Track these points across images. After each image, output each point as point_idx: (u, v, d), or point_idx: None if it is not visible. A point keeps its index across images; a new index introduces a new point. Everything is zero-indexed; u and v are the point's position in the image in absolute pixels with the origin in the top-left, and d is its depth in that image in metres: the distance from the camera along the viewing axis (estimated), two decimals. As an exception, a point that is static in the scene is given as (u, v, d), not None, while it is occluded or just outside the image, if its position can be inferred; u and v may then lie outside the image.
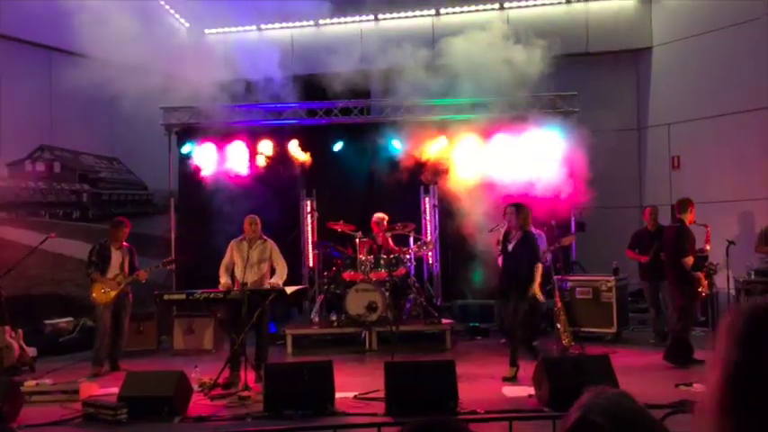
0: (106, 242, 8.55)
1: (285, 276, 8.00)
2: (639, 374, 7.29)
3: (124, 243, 8.59)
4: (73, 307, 9.96)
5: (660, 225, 9.32)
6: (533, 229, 8.80)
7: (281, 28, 12.54)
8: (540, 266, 7.49)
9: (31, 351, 8.75)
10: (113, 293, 8.34)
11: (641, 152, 11.97)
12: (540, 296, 7.57)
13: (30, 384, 7.08)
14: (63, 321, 9.87)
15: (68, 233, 10.43)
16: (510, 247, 7.40)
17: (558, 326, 8.14)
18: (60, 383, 7.17)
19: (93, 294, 8.34)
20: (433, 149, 10.43)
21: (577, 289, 9.65)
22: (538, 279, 7.44)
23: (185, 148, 10.96)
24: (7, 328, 8.39)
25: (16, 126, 10.12)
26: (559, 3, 11.87)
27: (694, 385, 6.63)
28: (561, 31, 9.74)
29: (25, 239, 9.76)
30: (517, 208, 7.48)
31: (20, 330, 8.62)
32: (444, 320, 9.73)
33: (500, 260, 7.86)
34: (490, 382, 7.27)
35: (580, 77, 10.72)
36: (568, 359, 7.14)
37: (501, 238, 7.73)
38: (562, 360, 7.09)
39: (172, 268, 8.55)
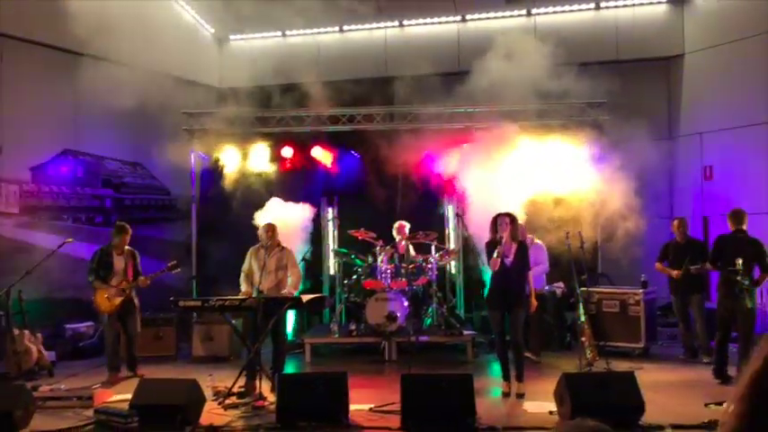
0: (108, 248, 8.43)
1: (298, 286, 7.88)
2: (667, 392, 7.02)
3: (127, 247, 8.46)
4: (93, 312, 9.94)
5: (690, 237, 9.02)
6: (537, 241, 8.65)
7: (306, 34, 12.48)
8: (530, 274, 7.52)
9: (50, 355, 8.75)
10: (117, 301, 8.21)
11: (672, 162, 11.65)
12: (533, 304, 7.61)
13: (44, 390, 7.05)
14: (83, 326, 9.88)
15: (91, 238, 10.43)
16: (508, 260, 7.16)
17: (583, 339, 7.88)
18: (74, 389, 7.13)
19: (97, 302, 8.25)
20: (457, 157, 10.24)
21: (604, 302, 9.38)
22: (530, 287, 7.51)
23: (207, 154, 10.91)
24: (26, 332, 8.39)
25: (40, 130, 10.17)
26: (588, 9, 11.65)
27: (725, 405, 6.32)
28: (590, 39, 9.50)
29: (48, 243, 9.75)
30: (512, 219, 7.28)
31: (39, 334, 8.63)
32: (466, 332, 9.52)
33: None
34: (511, 398, 7.04)
35: (610, 85, 10.44)
36: (592, 375, 6.89)
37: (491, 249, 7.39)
38: (585, 376, 6.84)
39: (177, 272, 8.37)
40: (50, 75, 9.96)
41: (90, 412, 6.36)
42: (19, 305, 8.38)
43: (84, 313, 9.67)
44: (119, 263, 8.34)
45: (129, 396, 6.39)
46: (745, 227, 7.75)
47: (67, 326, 9.78)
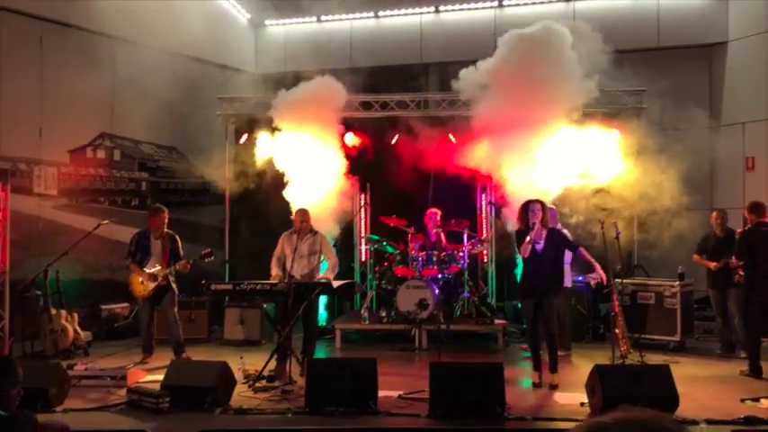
0: (146, 231, 8.40)
1: (336, 270, 7.87)
2: (703, 386, 6.87)
3: (166, 230, 8.40)
4: (129, 293, 10.08)
5: (729, 230, 8.79)
6: (561, 228, 8.25)
7: (341, 20, 12.43)
8: (583, 250, 7.36)
9: (86, 335, 8.91)
10: (151, 287, 8.14)
11: (713, 152, 11.36)
12: (602, 275, 7.31)
13: (79, 369, 7.18)
14: (119, 307, 10.04)
15: (126, 220, 10.59)
16: (539, 246, 7.05)
17: (617, 331, 7.75)
18: (109, 369, 7.24)
19: (132, 286, 8.25)
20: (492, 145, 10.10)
21: (639, 293, 9.22)
22: (594, 262, 7.25)
23: (242, 139, 10.97)
24: (63, 311, 8.55)
25: (78, 114, 10.31)
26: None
27: (762, 401, 6.19)
28: (631, 25, 9.27)
29: (85, 225, 9.92)
30: (543, 205, 7.16)
31: (75, 314, 8.78)
32: (497, 321, 9.45)
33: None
34: (541, 388, 6.96)
35: (650, 73, 10.21)
36: (624, 367, 6.77)
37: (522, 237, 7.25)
38: (618, 368, 6.73)
39: (209, 260, 8.32)
40: (88, 59, 10.06)
41: (123, 392, 6.45)
42: (56, 285, 8.55)
43: (120, 294, 9.83)
44: (156, 247, 8.30)
45: (160, 377, 6.49)
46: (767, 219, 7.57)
47: (103, 306, 9.94)
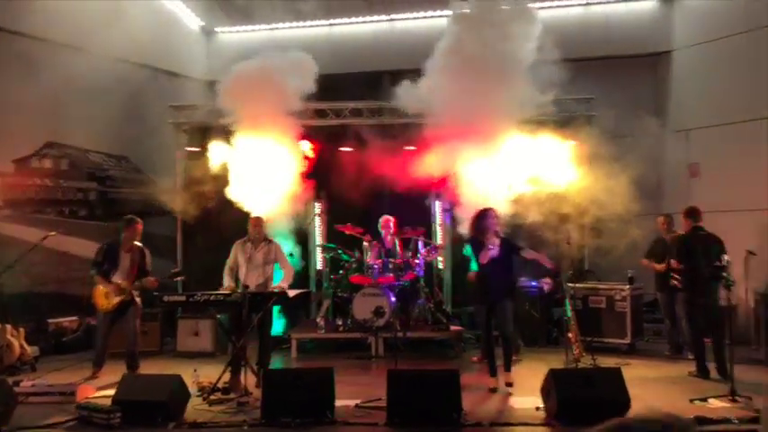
0: (116, 242, 8.19)
1: (291, 280, 7.81)
2: (653, 388, 7.03)
3: (136, 243, 8.21)
4: (77, 306, 9.84)
5: (676, 234, 9.01)
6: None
7: (293, 27, 12.39)
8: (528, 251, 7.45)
9: (33, 350, 8.64)
10: (116, 300, 7.95)
11: (660, 158, 11.65)
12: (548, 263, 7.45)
13: (26, 385, 6.96)
14: (67, 320, 9.77)
15: (75, 231, 10.33)
16: (495, 253, 7.14)
17: (570, 335, 7.87)
18: (57, 385, 7.03)
19: (95, 297, 8.04)
20: (445, 153, 10.17)
21: (590, 298, 9.40)
22: (539, 255, 7.42)
23: (193, 147, 10.81)
24: (8, 326, 8.28)
25: (23, 122, 10.02)
26: (578, 5, 11.62)
27: (710, 401, 6.35)
28: (579, 34, 9.45)
29: (31, 237, 9.63)
30: (496, 213, 7.29)
31: (21, 329, 8.51)
32: (453, 327, 9.51)
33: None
34: (498, 393, 7.02)
35: (598, 81, 10.44)
36: (578, 371, 6.89)
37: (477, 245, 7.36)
38: (572, 372, 6.84)
39: (179, 280, 8.17)
40: (33, 66, 9.79)
41: (72, 408, 6.27)
42: (-1, 299, 8.29)
43: (68, 308, 9.57)
44: (125, 259, 8.08)
45: (110, 392, 6.33)
46: (702, 224, 7.80)
47: (50, 320, 9.65)
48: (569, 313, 7.95)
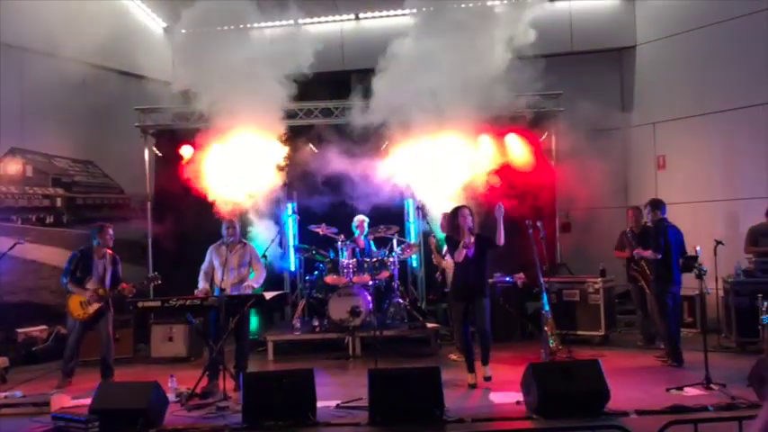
0: (88, 250, 8.02)
1: (262, 281, 7.75)
2: (629, 378, 7.12)
3: (108, 251, 8.06)
4: (47, 315, 9.65)
5: (645, 225, 9.16)
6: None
7: (260, 27, 12.27)
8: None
9: (2, 361, 8.44)
10: (93, 308, 7.80)
11: (627, 152, 11.85)
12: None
13: (-2, 397, 6.81)
14: (36, 330, 9.54)
15: (42, 239, 10.13)
16: (470, 251, 7.18)
17: (546, 329, 7.95)
18: (31, 396, 6.90)
19: (70, 306, 7.84)
20: (415, 151, 10.21)
21: (564, 291, 9.51)
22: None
23: (161, 151, 10.67)
24: (-24, 337, 8.09)
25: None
26: (542, 1, 11.71)
27: (686, 389, 6.48)
28: (544, 30, 9.54)
29: (-4, 246, 9.44)
30: (470, 211, 7.33)
31: (-10, 340, 8.33)
32: (429, 324, 9.54)
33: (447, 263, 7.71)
34: (476, 388, 7.07)
35: (564, 77, 10.56)
36: (557, 364, 6.95)
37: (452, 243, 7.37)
38: (551, 365, 6.91)
39: (156, 285, 8.11)
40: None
41: (47, 419, 6.15)
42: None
43: (37, 317, 9.37)
44: (98, 266, 7.92)
45: (87, 401, 6.22)
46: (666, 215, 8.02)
47: (19, 330, 9.43)
48: (547, 307, 8.02)
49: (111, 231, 8.10)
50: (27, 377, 8.13)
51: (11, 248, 8.11)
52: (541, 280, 8.15)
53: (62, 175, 10.89)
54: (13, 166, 10.23)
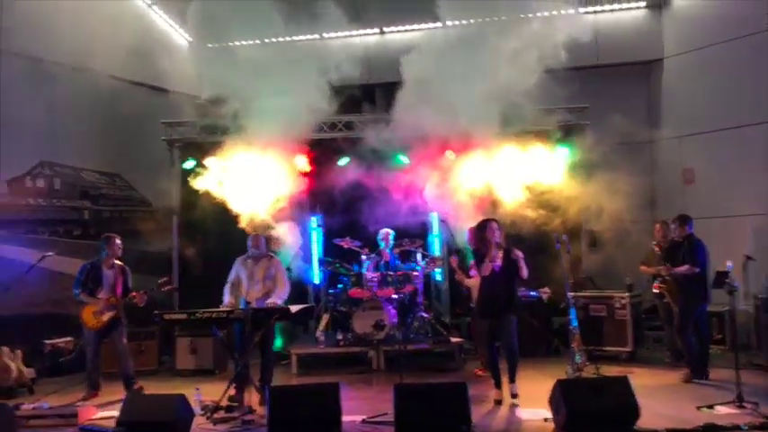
0: (97, 261, 8.17)
1: (285, 296, 7.73)
2: (659, 396, 7.01)
3: (117, 261, 8.20)
4: (72, 326, 9.70)
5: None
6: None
7: (285, 41, 12.34)
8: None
9: (29, 372, 8.52)
10: (105, 318, 7.95)
11: (654, 166, 11.73)
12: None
13: (26, 408, 6.86)
14: (62, 341, 9.61)
15: (69, 251, 10.21)
16: (497, 266, 7.12)
17: (573, 345, 7.85)
18: (57, 407, 6.94)
19: (84, 317, 7.97)
20: (440, 164, 10.19)
21: (591, 306, 9.39)
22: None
23: (187, 164, 10.76)
24: (5, 348, 8.17)
25: (16, 142, 9.93)
26: (567, 14, 11.65)
27: (716, 408, 6.35)
28: (570, 43, 9.48)
29: (25, 257, 9.54)
30: (498, 225, 7.27)
31: (18, 351, 8.40)
32: (453, 339, 9.47)
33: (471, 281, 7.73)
34: (503, 404, 6.99)
35: (590, 90, 10.50)
36: (586, 381, 6.85)
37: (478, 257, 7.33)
38: (579, 382, 6.81)
39: (168, 289, 8.20)
40: (27, 86, 9.72)
41: (74, 430, 6.18)
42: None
43: (63, 328, 9.44)
44: (108, 277, 8.07)
45: (113, 413, 6.25)
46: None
47: (46, 341, 9.51)
48: (575, 322, 7.92)
49: (118, 242, 8.25)
50: (53, 388, 8.20)
51: (40, 260, 8.20)
52: (569, 295, 8.06)
53: (90, 188, 11.02)
54: (42, 180, 10.37)
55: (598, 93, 10.89)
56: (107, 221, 11.08)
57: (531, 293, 9.70)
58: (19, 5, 9.71)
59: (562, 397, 5.78)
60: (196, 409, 6.64)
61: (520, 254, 7.20)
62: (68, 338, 9.60)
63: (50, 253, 8.43)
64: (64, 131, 10.48)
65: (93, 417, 6.71)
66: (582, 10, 11.60)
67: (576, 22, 10.75)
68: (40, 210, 10.32)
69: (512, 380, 7.12)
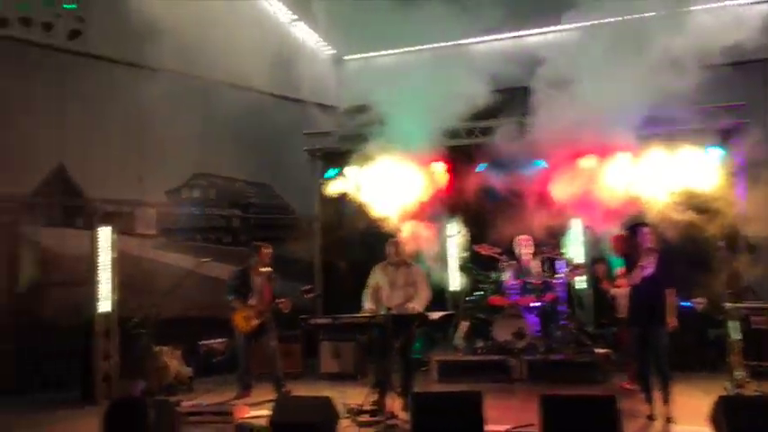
0: (248, 268, 8.59)
1: (426, 303, 7.71)
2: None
3: (266, 268, 8.57)
4: (225, 328, 10.25)
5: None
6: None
7: (419, 50, 12.43)
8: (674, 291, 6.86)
9: (188, 371, 9.08)
10: (255, 323, 8.34)
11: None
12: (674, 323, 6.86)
13: (186, 405, 7.29)
14: (216, 342, 10.17)
15: (220, 257, 10.80)
16: (649, 271, 6.74)
17: (734, 359, 7.31)
18: (213, 405, 7.32)
19: (236, 321, 8.41)
20: (581, 169, 9.85)
21: (752, 317, 8.70)
22: (674, 304, 6.84)
23: (329, 173, 11.08)
24: (165, 348, 8.75)
25: (174, 155, 10.66)
26: (740, 5, 10.83)
27: None
28: (728, 36, 8.85)
29: (182, 263, 10.22)
30: (651, 228, 6.87)
31: (178, 351, 8.98)
32: (598, 350, 9.11)
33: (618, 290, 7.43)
34: (655, 420, 6.63)
35: (751, 86, 9.76)
36: (752, 399, 6.35)
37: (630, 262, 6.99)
38: (746, 400, 6.31)
39: (311, 297, 8.48)
40: (182, 102, 10.38)
41: (230, 427, 6.50)
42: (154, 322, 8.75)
43: (217, 330, 9.99)
44: (257, 283, 8.47)
45: (263, 412, 6.51)
46: None
47: (201, 342, 10.11)
48: (736, 335, 7.37)
49: (266, 251, 8.62)
50: (206, 387, 8.67)
51: (199, 266, 8.74)
52: (728, 305, 7.52)
53: (239, 197, 11.63)
54: (198, 190, 11.08)
55: (759, 89, 10.10)
56: (254, 229, 11.64)
57: (684, 303, 9.14)
58: (175, 28, 10.39)
59: (724, 416, 5.38)
60: (341, 411, 6.77)
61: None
62: (221, 340, 10.14)
63: (208, 259, 8.97)
64: (217, 144, 11.13)
65: (246, 415, 7.03)
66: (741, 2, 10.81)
67: (742, 15, 10.10)
68: (195, 218, 11.02)
69: (665, 401, 6.72)
